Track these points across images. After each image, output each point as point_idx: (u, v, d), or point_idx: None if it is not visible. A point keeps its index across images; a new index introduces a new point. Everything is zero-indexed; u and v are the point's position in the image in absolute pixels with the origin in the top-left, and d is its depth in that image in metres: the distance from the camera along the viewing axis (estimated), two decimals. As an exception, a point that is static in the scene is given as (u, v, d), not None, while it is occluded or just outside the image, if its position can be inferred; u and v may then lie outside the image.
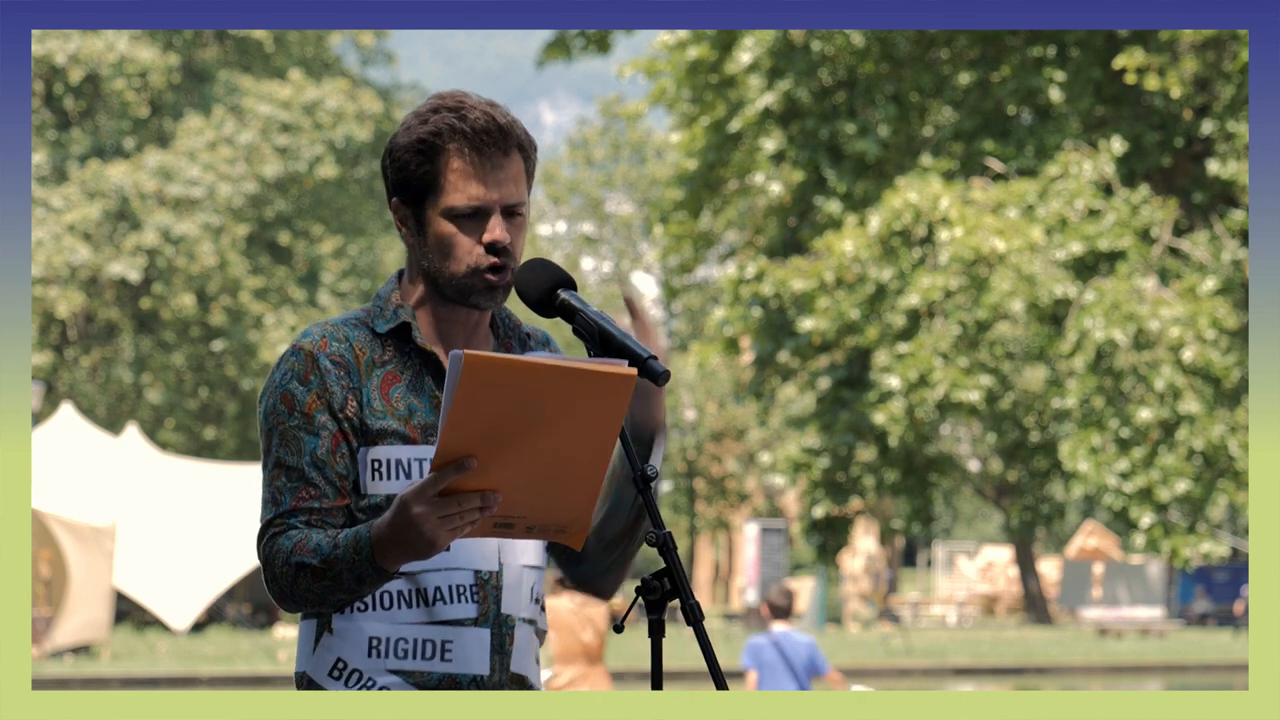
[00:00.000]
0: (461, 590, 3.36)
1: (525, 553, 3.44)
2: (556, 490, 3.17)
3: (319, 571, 3.23)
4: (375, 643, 3.35)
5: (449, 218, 3.39)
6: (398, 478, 3.36)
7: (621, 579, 3.56)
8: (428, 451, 3.36)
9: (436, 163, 3.39)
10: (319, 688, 3.38)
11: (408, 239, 3.45)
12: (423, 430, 3.38)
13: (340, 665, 3.37)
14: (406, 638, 3.34)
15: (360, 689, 3.35)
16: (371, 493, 3.37)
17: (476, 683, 3.37)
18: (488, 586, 3.38)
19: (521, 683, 3.43)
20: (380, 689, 3.34)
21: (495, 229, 3.39)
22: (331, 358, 3.38)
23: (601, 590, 3.57)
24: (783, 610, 11.43)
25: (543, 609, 3.50)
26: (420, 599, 3.35)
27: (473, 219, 3.39)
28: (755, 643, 11.61)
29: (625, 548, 3.52)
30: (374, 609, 3.35)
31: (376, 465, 3.37)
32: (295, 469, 3.34)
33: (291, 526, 3.31)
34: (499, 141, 3.40)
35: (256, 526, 3.39)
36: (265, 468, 3.38)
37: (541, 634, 3.50)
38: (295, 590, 3.27)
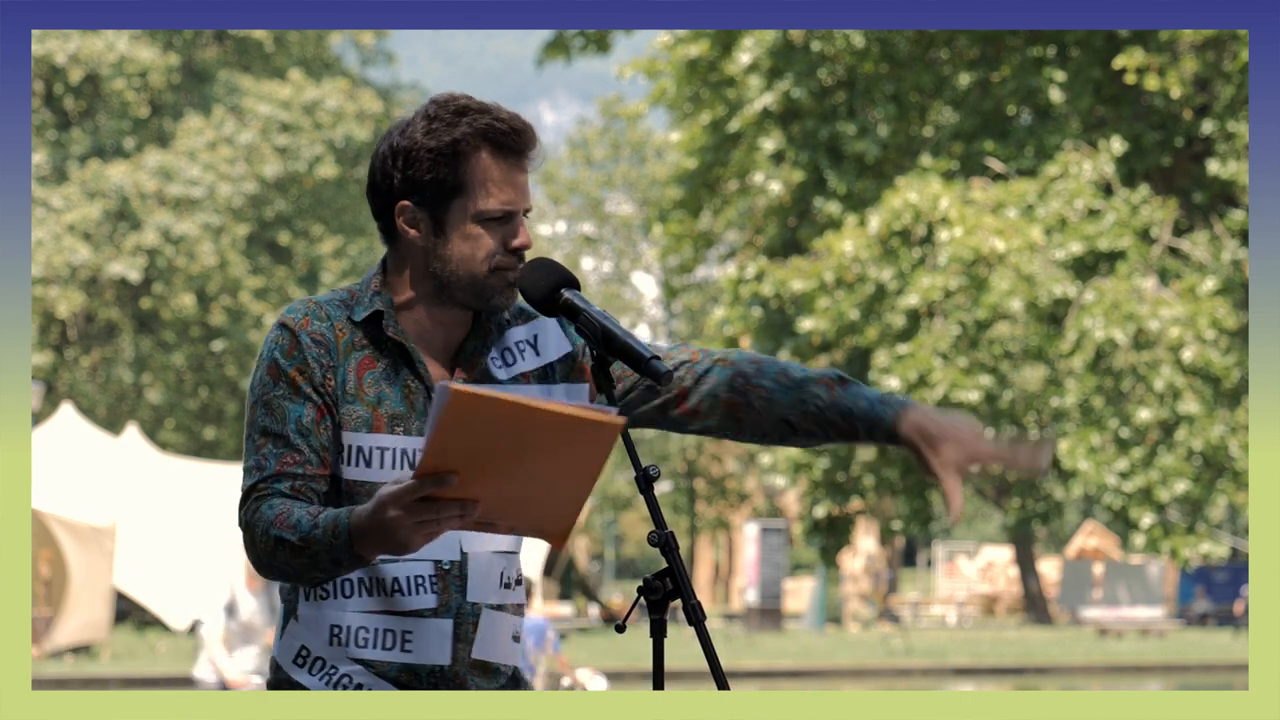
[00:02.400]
0: (420, 581, 3.36)
1: (495, 539, 3.44)
2: (538, 508, 3.18)
3: (297, 549, 3.23)
4: (336, 631, 3.36)
5: (479, 221, 3.41)
6: (358, 464, 3.37)
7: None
8: (391, 440, 3.38)
9: (465, 165, 3.40)
10: (285, 674, 3.40)
11: (416, 241, 3.44)
12: (389, 419, 3.39)
13: (304, 653, 3.38)
14: (367, 627, 3.35)
15: (322, 677, 3.36)
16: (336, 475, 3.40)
17: (436, 673, 3.37)
18: (449, 576, 3.38)
19: (485, 669, 3.42)
20: (342, 677, 3.35)
21: (523, 234, 3.43)
22: (313, 335, 3.39)
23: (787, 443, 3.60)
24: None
25: (521, 586, 3.50)
26: (379, 588, 3.35)
27: (499, 222, 3.41)
28: None
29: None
30: (335, 597, 3.36)
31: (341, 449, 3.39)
32: (280, 435, 3.35)
33: (276, 493, 3.32)
34: (528, 146, 3.45)
35: (238, 494, 3.39)
36: (250, 439, 3.38)
37: (520, 608, 3.49)
38: (274, 561, 3.28)
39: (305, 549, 3.23)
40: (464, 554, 3.39)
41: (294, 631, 3.39)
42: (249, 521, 3.31)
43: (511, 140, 3.41)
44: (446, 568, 3.38)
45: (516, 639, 3.49)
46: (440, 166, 3.40)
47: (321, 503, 3.35)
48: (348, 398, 3.38)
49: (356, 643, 3.35)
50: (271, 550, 3.26)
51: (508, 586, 3.46)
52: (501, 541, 3.45)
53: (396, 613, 3.35)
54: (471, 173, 3.40)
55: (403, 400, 3.40)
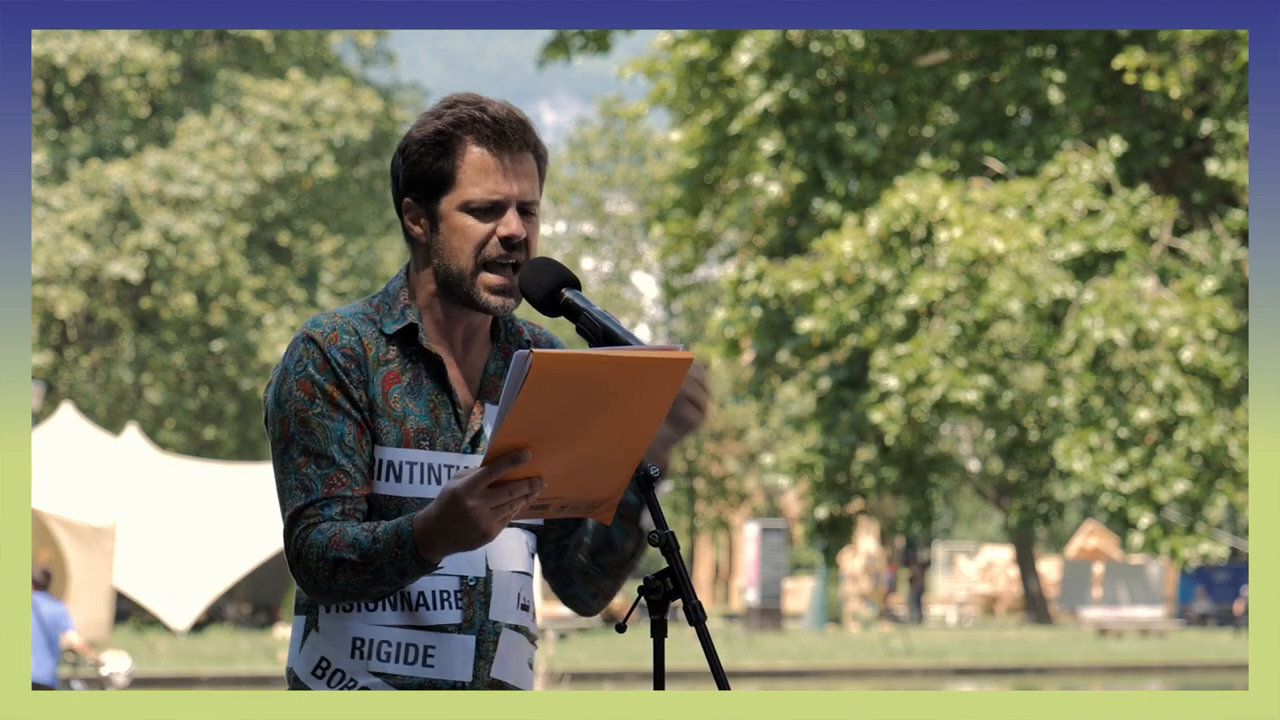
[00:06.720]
0: (446, 596, 3.33)
1: (514, 559, 3.42)
2: (596, 473, 3.18)
3: (359, 566, 3.19)
4: (359, 644, 3.32)
5: (465, 211, 3.36)
6: (388, 479, 3.33)
7: (606, 604, 3.55)
8: (420, 455, 3.35)
9: (453, 156, 3.36)
10: (304, 686, 3.36)
11: (420, 238, 3.41)
12: (415, 434, 3.34)
13: (324, 664, 3.34)
14: (390, 640, 3.31)
15: (342, 689, 3.32)
16: None
17: (457, 689, 3.33)
18: (474, 592, 3.35)
19: (502, 689, 3.39)
20: (361, 690, 3.31)
21: (512, 222, 3.36)
22: (343, 350, 3.34)
23: (586, 610, 3.55)
24: (41, 584, 15.47)
25: (533, 615, 3.47)
26: (404, 603, 3.31)
27: (489, 213, 3.36)
28: None
29: (613, 581, 3.50)
30: (359, 610, 3.32)
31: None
32: (324, 455, 3.28)
33: (325, 518, 3.26)
34: (518, 134, 3.38)
35: (280, 517, 3.30)
36: (286, 456, 3.30)
37: (533, 639, 3.47)
38: (334, 585, 3.22)
39: (368, 565, 3.19)
40: (489, 570, 3.37)
41: (315, 643, 3.35)
42: (301, 550, 3.25)
43: (497, 128, 3.36)
44: (472, 584, 3.35)
45: (530, 666, 3.47)
46: (429, 158, 3.37)
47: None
48: (378, 412, 3.33)
49: (379, 656, 3.31)
50: (330, 574, 3.21)
51: (524, 608, 3.44)
52: (519, 562, 3.43)
53: (420, 627, 3.32)
54: (458, 163, 3.36)
55: (428, 414, 3.37)
